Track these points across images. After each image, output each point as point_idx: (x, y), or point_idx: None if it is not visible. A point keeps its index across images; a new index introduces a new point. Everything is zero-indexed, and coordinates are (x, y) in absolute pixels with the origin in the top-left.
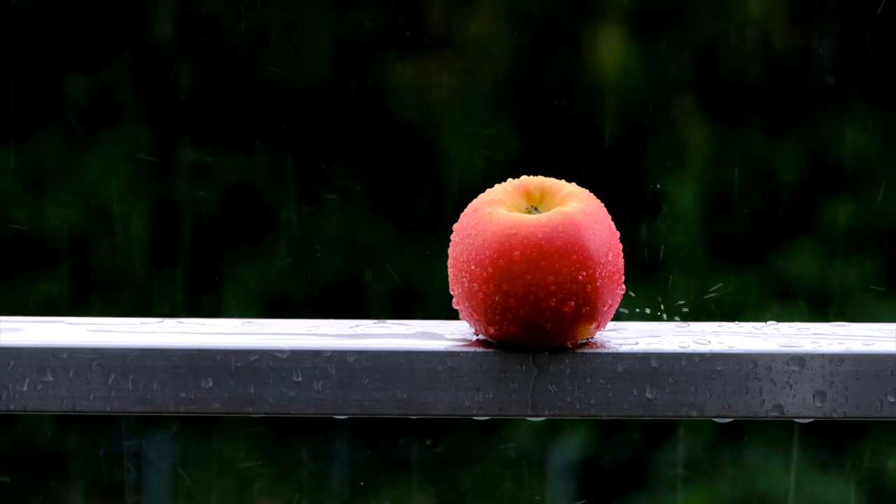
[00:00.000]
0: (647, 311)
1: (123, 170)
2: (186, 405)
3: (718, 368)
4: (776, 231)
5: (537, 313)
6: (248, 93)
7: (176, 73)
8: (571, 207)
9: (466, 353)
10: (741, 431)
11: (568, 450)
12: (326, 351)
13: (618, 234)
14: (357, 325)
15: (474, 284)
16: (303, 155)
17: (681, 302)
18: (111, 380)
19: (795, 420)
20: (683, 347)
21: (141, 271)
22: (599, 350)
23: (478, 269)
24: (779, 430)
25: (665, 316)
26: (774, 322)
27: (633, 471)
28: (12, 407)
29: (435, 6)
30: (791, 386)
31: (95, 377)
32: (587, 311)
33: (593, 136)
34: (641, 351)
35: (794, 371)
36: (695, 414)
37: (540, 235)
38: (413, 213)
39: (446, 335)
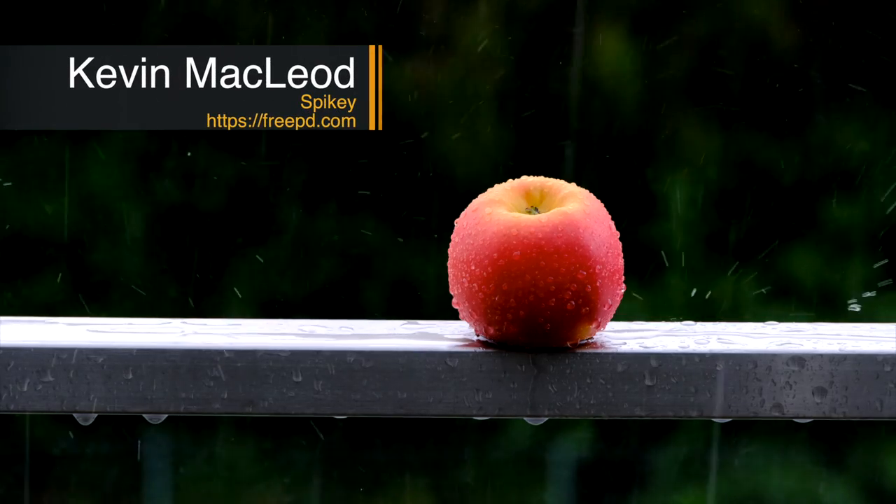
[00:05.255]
0: (647, 311)
1: (123, 169)
2: (186, 405)
3: (718, 368)
4: (776, 231)
5: (537, 313)
6: None
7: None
8: (571, 208)
9: (466, 353)
10: (741, 431)
11: (568, 450)
12: (326, 351)
13: (618, 234)
14: (357, 326)
15: (474, 284)
16: (302, 155)
17: (680, 302)
18: (111, 380)
19: (795, 420)
20: (683, 347)
21: (141, 272)
22: (599, 350)
23: (478, 269)
24: (779, 431)
25: (665, 316)
26: (774, 322)
27: (632, 471)
28: (12, 407)
29: (434, 6)
30: (791, 386)
31: (95, 377)
32: (587, 311)
33: (593, 136)
34: (641, 351)
35: (794, 371)
36: (695, 414)
37: (540, 235)
38: (413, 212)
39: (446, 335)
